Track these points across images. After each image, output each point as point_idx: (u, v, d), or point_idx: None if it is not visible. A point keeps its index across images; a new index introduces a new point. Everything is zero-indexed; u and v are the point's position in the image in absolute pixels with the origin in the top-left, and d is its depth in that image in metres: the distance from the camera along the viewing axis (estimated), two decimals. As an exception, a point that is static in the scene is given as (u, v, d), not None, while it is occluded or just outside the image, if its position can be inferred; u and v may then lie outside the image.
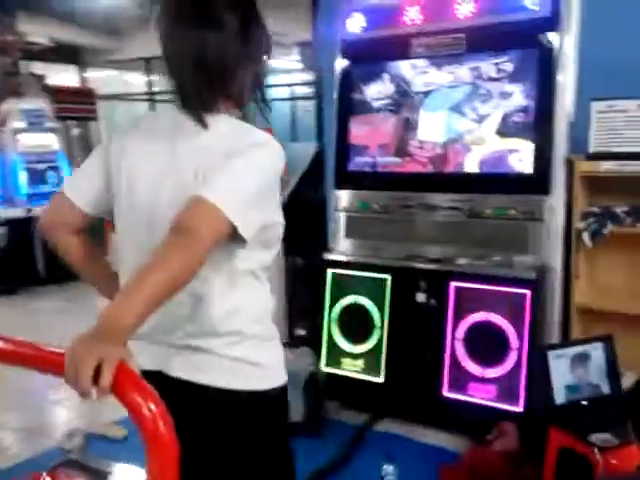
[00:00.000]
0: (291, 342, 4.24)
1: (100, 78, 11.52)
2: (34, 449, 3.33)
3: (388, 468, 2.58)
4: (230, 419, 1.42)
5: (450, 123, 3.37)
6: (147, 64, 10.89)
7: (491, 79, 3.24)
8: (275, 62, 11.01)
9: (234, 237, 1.28)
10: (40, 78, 8.22)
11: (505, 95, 3.20)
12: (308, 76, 9.21)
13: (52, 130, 7.59)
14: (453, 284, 3.20)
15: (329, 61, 3.79)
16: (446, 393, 3.20)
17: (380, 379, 3.41)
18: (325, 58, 3.94)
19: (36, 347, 1.15)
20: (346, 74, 3.69)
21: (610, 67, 2.90)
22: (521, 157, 3.15)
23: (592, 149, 2.99)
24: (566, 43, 3.03)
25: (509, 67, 3.18)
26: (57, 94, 8.05)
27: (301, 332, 4.42)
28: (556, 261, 3.10)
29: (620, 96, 2.93)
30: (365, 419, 3.35)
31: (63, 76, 10.61)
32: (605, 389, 2.46)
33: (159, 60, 1.42)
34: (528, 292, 2.99)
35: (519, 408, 2.99)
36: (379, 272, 3.45)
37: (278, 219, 1.44)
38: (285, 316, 4.51)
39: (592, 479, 2.17)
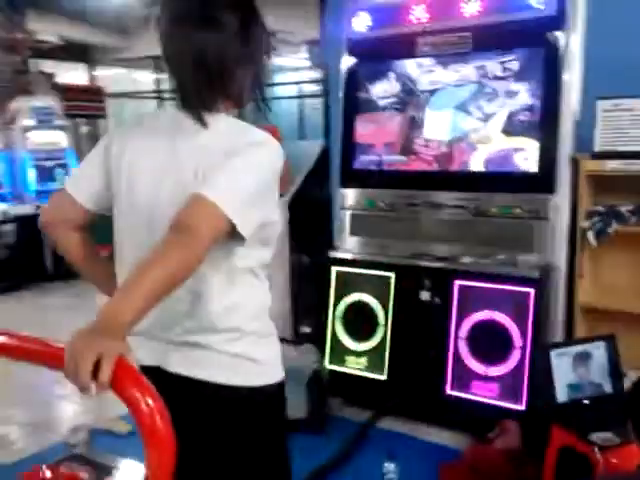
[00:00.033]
0: (296, 339, 4.26)
1: (109, 76, 11.57)
2: (40, 444, 3.35)
3: (389, 466, 2.59)
4: (229, 415, 1.42)
5: (456, 122, 3.37)
6: (155, 62, 10.92)
7: (497, 78, 3.24)
8: (283, 60, 11.03)
9: (233, 235, 1.29)
10: (49, 76, 8.27)
11: (511, 94, 3.20)
12: (316, 74, 9.20)
13: (61, 128, 7.64)
14: (457, 282, 3.20)
15: (336, 59, 3.80)
16: (449, 391, 3.21)
17: (383, 377, 3.42)
18: (332, 56, 3.94)
19: (36, 341, 1.16)
20: (352, 72, 3.70)
21: (616, 66, 2.90)
22: (526, 156, 3.15)
23: (597, 148, 2.99)
24: (572, 42, 3.03)
25: (515, 66, 3.18)
26: (66, 92, 8.09)
27: (306, 330, 4.43)
28: (561, 260, 3.11)
29: (626, 95, 2.92)
30: (368, 416, 3.36)
31: (72, 74, 10.67)
32: (607, 388, 2.45)
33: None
34: (532, 291, 2.99)
35: (521, 406, 3.00)
36: (383, 270, 3.46)
37: (276, 217, 1.45)
38: (290, 314, 4.52)
39: (592, 478, 2.17)
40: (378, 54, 3.63)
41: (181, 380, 1.39)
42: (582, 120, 3.07)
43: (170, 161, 1.37)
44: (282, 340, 4.37)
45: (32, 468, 1.14)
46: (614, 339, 2.50)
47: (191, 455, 1.39)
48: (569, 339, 3.02)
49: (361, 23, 3.64)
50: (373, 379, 3.45)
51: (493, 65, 3.24)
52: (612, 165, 2.93)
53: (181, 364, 1.39)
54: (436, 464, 2.86)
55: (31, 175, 7.25)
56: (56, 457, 2.58)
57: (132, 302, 1.12)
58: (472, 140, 3.32)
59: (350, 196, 3.72)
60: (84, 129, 9.05)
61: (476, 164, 3.31)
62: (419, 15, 3.44)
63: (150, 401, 0.98)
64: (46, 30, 9.18)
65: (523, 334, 3.01)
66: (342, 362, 3.56)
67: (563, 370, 2.41)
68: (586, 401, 2.40)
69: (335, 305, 3.60)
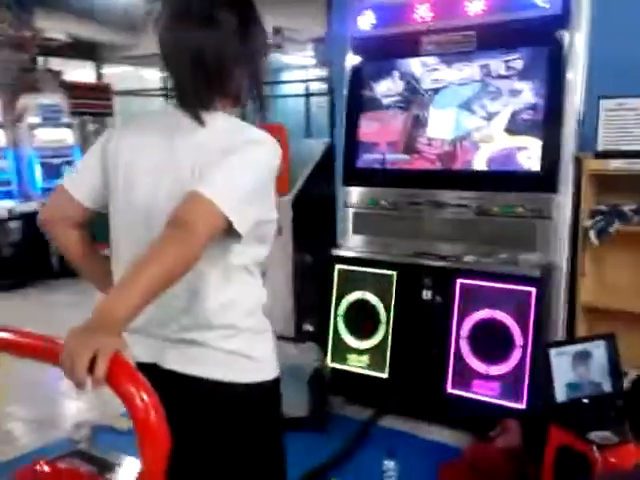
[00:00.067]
0: (298, 337, 4.27)
1: (116, 74, 11.59)
2: (43, 440, 3.36)
3: (389, 464, 2.59)
4: (225, 411, 1.43)
5: (459, 120, 3.37)
6: (163, 60, 10.93)
7: (501, 77, 3.24)
8: (290, 58, 11.03)
9: (229, 232, 1.29)
10: (57, 74, 8.30)
11: (514, 93, 3.20)
12: (322, 72, 9.21)
13: (68, 125, 7.67)
14: (459, 281, 3.20)
15: (341, 57, 3.81)
16: (450, 390, 3.21)
17: (385, 375, 3.42)
18: (337, 54, 3.95)
19: (33, 337, 1.17)
20: (356, 71, 3.71)
21: (620, 65, 2.89)
22: (530, 155, 3.15)
23: (601, 147, 2.98)
24: (576, 41, 3.03)
25: (519, 65, 3.18)
26: (74, 90, 8.13)
27: (309, 328, 4.44)
28: (563, 259, 3.10)
29: (630, 94, 2.92)
30: (370, 414, 3.36)
31: (80, 72, 10.70)
32: (607, 387, 2.45)
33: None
34: (533, 290, 2.99)
35: (522, 405, 3.00)
36: (385, 268, 3.46)
37: (273, 215, 1.45)
38: (293, 312, 4.53)
39: (591, 477, 2.17)
40: (382, 52, 3.63)
41: (177, 377, 1.39)
42: (586, 119, 3.06)
43: (168, 159, 1.37)
44: (284, 338, 4.41)
45: (29, 463, 1.14)
46: (614, 338, 2.50)
47: (187, 451, 1.40)
48: (570, 338, 3.02)
49: (366, 21, 3.65)
50: (374, 377, 3.45)
51: (497, 64, 3.24)
52: (615, 164, 2.93)
53: (177, 361, 1.40)
54: (437, 462, 2.86)
55: (38, 172, 7.28)
56: (58, 453, 2.60)
57: (128, 298, 1.13)
58: (475, 139, 3.32)
59: (353, 194, 3.72)
60: (91, 127, 9.07)
61: (479, 163, 3.31)
62: (423, 14, 3.45)
63: (145, 396, 0.99)
64: (54, 28, 9.22)
65: (524, 333, 3.01)
66: (344, 360, 3.57)
67: (562, 369, 2.41)
68: (585, 400, 2.40)
69: (337, 303, 3.60)
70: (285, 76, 12.24)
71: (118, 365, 1.02)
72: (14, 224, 6.81)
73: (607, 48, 2.93)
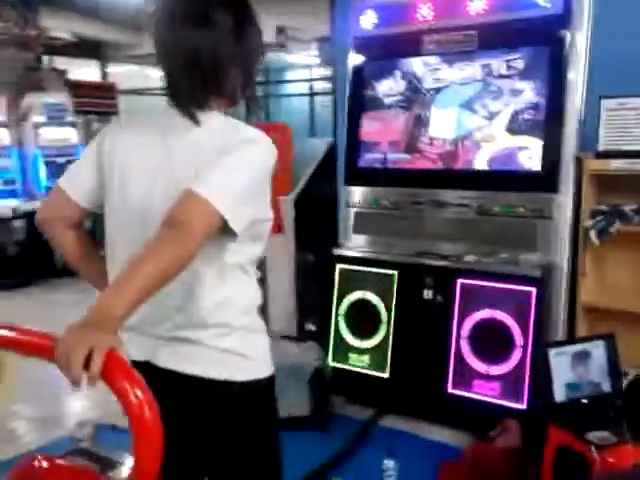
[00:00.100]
0: (300, 337, 4.27)
1: (121, 73, 11.60)
2: (47, 438, 3.38)
3: (389, 463, 2.60)
4: (219, 409, 1.44)
5: (461, 120, 3.37)
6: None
7: (502, 76, 3.24)
8: (294, 57, 11.01)
9: (225, 231, 1.30)
10: (62, 73, 8.33)
11: (516, 92, 3.20)
12: (326, 71, 9.19)
13: (72, 124, 7.69)
14: (459, 281, 3.20)
15: (343, 57, 3.81)
16: (451, 390, 3.21)
17: (386, 375, 3.43)
18: (340, 54, 3.95)
19: (29, 333, 1.18)
20: (358, 70, 3.71)
21: (621, 65, 2.88)
22: (531, 155, 3.15)
23: (602, 147, 2.97)
24: (577, 40, 3.03)
25: (520, 64, 3.18)
26: (78, 89, 8.14)
27: (311, 327, 4.44)
28: (563, 259, 3.10)
29: (631, 94, 2.91)
30: (370, 414, 3.37)
31: (85, 71, 10.72)
32: (606, 387, 2.45)
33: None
34: (533, 290, 2.99)
35: (523, 405, 3.00)
36: (386, 268, 3.46)
37: (268, 214, 1.46)
38: (295, 311, 4.54)
39: (589, 477, 2.17)
40: (384, 52, 3.63)
41: (171, 375, 1.40)
42: (586, 119, 3.06)
43: (163, 159, 1.38)
44: (286, 337, 4.40)
45: (25, 459, 1.15)
46: (613, 338, 2.50)
47: (182, 449, 1.41)
48: (571, 338, 3.02)
49: (367, 21, 3.65)
50: (375, 377, 3.46)
51: (498, 63, 3.24)
52: (616, 164, 2.92)
53: (170, 359, 1.41)
54: (437, 462, 2.86)
55: (42, 171, 7.30)
56: (61, 451, 2.62)
57: (124, 296, 1.14)
58: (477, 138, 3.32)
59: (355, 194, 3.73)
60: (96, 126, 9.09)
61: (480, 162, 3.31)
62: (425, 13, 3.45)
63: (139, 393, 1.00)
64: (59, 27, 9.23)
65: (525, 333, 3.01)
66: (345, 360, 3.57)
67: (562, 369, 2.41)
68: (584, 400, 2.40)
69: (338, 302, 3.61)
70: (289, 75, 12.22)
71: (113, 361, 1.03)
72: (18, 223, 6.83)
73: (608, 48, 2.92)
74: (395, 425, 3.34)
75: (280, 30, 8.12)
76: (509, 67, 3.21)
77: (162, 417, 1.00)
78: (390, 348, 3.42)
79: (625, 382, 2.51)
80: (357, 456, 3.07)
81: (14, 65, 7.60)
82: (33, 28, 7.92)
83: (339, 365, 3.58)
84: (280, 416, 3.41)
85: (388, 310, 3.44)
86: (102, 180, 1.46)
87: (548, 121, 3.09)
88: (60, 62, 8.96)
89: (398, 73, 3.58)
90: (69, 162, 7.40)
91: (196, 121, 1.38)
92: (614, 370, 2.46)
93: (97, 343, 1.03)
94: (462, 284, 3.20)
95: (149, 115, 1.55)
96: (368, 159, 3.68)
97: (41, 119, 7.39)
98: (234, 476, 1.50)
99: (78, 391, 1.07)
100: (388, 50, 3.62)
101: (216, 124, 1.40)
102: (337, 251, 3.68)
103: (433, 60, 3.46)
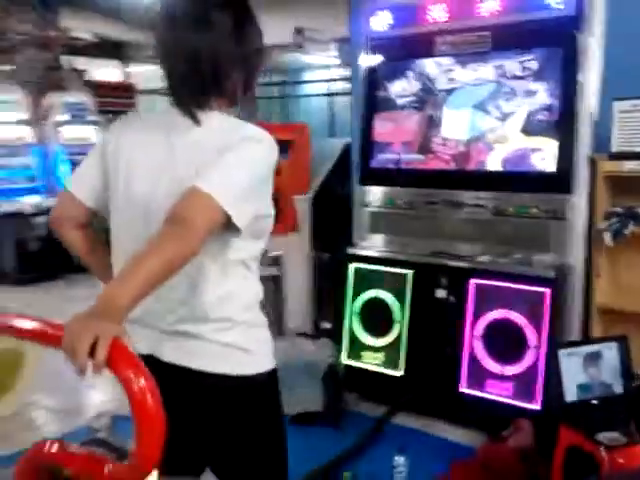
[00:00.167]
0: (315, 334, 4.31)
1: (141, 73, 11.71)
2: (66, 428, 3.44)
3: (399, 459, 2.62)
4: (221, 403, 1.46)
5: (474, 121, 3.38)
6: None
7: (515, 77, 3.24)
8: (313, 58, 11.04)
9: (228, 227, 1.33)
10: (82, 73, 8.43)
11: (529, 93, 3.20)
12: (346, 72, 9.22)
13: (93, 123, 7.78)
14: (473, 281, 3.22)
15: (359, 57, 3.84)
16: (464, 389, 3.22)
17: (399, 373, 3.45)
18: (356, 55, 3.97)
19: (37, 320, 1.21)
20: (372, 71, 3.73)
21: (634, 66, 2.88)
22: (544, 156, 3.15)
23: (615, 148, 2.97)
24: (591, 42, 3.02)
25: (533, 65, 3.18)
26: (98, 89, 8.25)
27: (326, 325, 4.48)
28: (577, 260, 3.10)
29: (644, 96, 2.91)
30: (383, 411, 3.40)
31: (105, 71, 10.83)
32: (617, 389, 2.46)
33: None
34: (547, 291, 3.00)
35: (537, 406, 3.00)
36: (401, 267, 3.49)
37: (269, 211, 1.48)
38: (311, 309, 4.58)
39: (598, 477, 2.18)
40: (398, 53, 3.66)
41: (174, 369, 1.43)
42: (600, 120, 3.05)
43: (167, 157, 1.41)
44: (301, 334, 4.44)
45: (36, 445, 1.18)
46: (626, 340, 2.50)
47: (182, 441, 1.43)
48: (585, 339, 3.02)
49: (381, 22, 3.67)
50: (389, 375, 3.48)
51: (512, 64, 3.24)
52: (629, 166, 2.91)
53: (174, 354, 1.43)
54: (449, 461, 2.88)
55: (63, 169, 7.40)
56: (78, 440, 2.67)
57: (129, 288, 1.17)
58: (489, 140, 3.32)
59: (369, 194, 3.76)
60: (114, 125, 9.19)
61: (494, 163, 3.32)
62: (438, 14, 3.46)
63: (142, 381, 1.02)
64: (80, 27, 9.35)
65: (538, 334, 3.01)
66: (359, 357, 3.60)
67: (573, 370, 2.42)
68: (595, 401, 2.41)
69: (353, 301, 3.64)
70: (307, 76, 12.25)
71: (118, 350, 1.06)
72: (39, 219, 6.89)
73: (621, 49, 2.93)
74: (407, 423, 3.36)
75: (298, 31, 8.15)
76: (522, 68, 3.22)
77: (165, 409, 1.02)
78: (404, 347, 3.44)
79: (637, 384, 2.51)
80: (369, 452, 3.10)
81: (34, 65, 7.70)
82: (53, 29, 8.02)
83: (353, 363, 3.61)
84: (294, 411, 3.45)
85: (402, 309, 3.46)
86: (107, 181, 1.48)
87: (561, 122, 3.09)
88: (81, 62, 9.08)
89: (411, 74, 3.60)
90: (89, 161, 7.54)
91: (196, 121, 1.40)
92: (626, 372, 2.47)
93: (102, 332, 1.05)
94: (476, 284, 3.21)
95: (151, 115, 1.58)
96: (381, 159, 3.71)
97: (64, 118, 7.48)
98: (237, 469, 1.52)
99: (84, 379, 1.10)
100: (402, 51, 3.64)
101: (216, 124, 1.42)
102: (351, 250, 3.71)
103: (446, 61, 3.47)
